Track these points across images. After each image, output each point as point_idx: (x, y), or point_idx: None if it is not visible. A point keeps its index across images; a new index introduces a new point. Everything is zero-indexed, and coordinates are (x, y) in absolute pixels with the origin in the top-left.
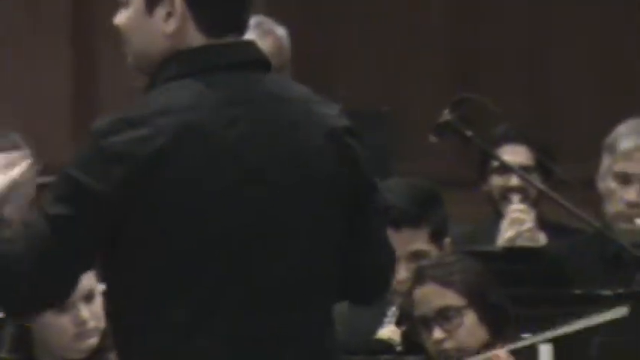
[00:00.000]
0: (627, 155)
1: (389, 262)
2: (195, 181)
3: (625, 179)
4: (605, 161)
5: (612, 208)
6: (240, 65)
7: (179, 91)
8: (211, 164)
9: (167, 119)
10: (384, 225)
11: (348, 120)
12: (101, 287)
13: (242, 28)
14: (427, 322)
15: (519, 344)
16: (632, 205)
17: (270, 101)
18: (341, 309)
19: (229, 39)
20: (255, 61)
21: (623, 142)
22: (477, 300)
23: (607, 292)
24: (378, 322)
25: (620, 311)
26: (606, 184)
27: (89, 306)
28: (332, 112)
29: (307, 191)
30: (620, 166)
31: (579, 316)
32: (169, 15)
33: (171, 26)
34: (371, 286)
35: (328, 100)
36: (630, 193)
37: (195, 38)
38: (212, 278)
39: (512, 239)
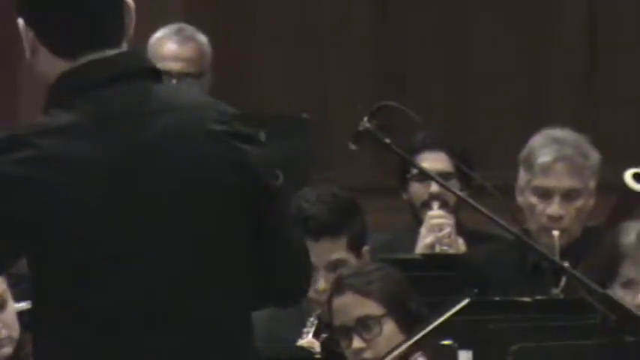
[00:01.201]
0: (545, 169)
1: (302, 261)
2: (75, 201)
3: (545, 194)
4: (523, 175)
5: (534, 223)
6: (122, 77)
7: (59, 111)
8: (92, 184)
9: (47, 141)
10: (292, 225)
11: (242, 126)
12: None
13: (105, 41)
14: (347, 332)
15: (439, 351)
16: (554, 219)
17: (156, 112)
18: (261, 317)
19: (103, 54)
20: (142, 70)
21: (539, 157)
22: (397, 308)
23: (526, 299)
24: (298, 331)
25: (464, 300)
26: (526, 198)
27: (0, 315)
28: (222, 119)
29: (196, 200)
30: (539, 181)
31: (500, 322)
32: (31, 49)
33: (33, 59)
34: (287, 287)
35: (221, 105)
36: (551, 208)
37: (56, 64)
38: (105, 297)
39: (431, 245)
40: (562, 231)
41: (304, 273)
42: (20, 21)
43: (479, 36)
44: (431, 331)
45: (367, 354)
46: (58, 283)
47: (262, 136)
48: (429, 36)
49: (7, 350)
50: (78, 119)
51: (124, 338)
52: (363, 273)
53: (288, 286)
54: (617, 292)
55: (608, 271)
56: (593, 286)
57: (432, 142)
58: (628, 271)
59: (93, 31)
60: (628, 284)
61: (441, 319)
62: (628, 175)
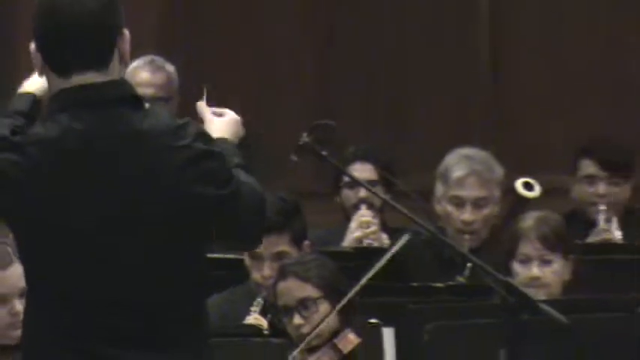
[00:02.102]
0: (459, 182)
1: (257, 206)
2: (51, 199)
3: (459, 203)
4: (440, 187)
5: (451, 227)
6: (104, 103)
7: (50, 124)
8: (66, 187)
9: (36, 149)
10: (246, 184)
11: (203, 145)
12: None
13: (88, 65)
14: (289, 311)
15: (367, 329)
16: (467, 223)
17: (127, 133)
18: (216, 300)
19: (83, 77)
20: (120, 98)
21: (454, 172)
22: (331, 292)
23: (439, 285)
24: (246, 311)
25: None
26: (443, 207)
27: (23, 300)
28: (182, 142)
29: (150, 208)
30: (454, 192)
31: (418, 304)
32: (39, 69)
33: (43, 76)
34: (246, 229)
35: (185, 127)
36: (465, 214)
37: (54, 80)
38: (70, 280)
39: (359, 240)
40: (472, 233)
41: (259, 218)
42: (32, 45)
43: (413, 61)
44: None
45: (305, 329)
46: (30, 267)
47: (218, 148)
48: (369, 62)
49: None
50: (62, 134)
51: (80, 325)
52: (303, 262)
53: (246, 229)
54: (516, 268)
55: (510, 250)
56: (495, 273)
57: (361, 154)
58: (524, 248)
59: (78, 55)
60: (524, 260)
61: (385, 259)
62: (518, 183)
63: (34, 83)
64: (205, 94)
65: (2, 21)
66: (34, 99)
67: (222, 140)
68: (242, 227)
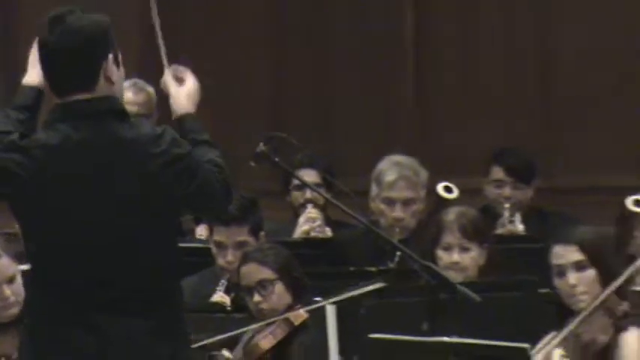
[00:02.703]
0: (390, 185)
1: (221, 181)
2: (51, 196)
3: (390, 202)
4: (374, 189)
5: (384, 222)
6: (95, 115)
7: (51, 132)
8: (64, 185)
9: (40, 152)
10: (207, 163)
11: (177, 149)
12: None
13: (78, 87)
14: (250, 290)
15: (313, 306)
16: (397, 219)
17: (113, 141)
18: (191, 280)
19: (76, 97)
20: (108, 111)
21: (386, 176)
22: (285, 274)
23: (373, 269)
24: (213, 290)
25: (378, 284)
26: (377, 205)
27: (11, 286)
28: (160, 149)
29: (133, 202)
30: (386, 194)
31: (355, 286)
32: (46, 88)
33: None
34: (214, 202)
35: (162, 136)
36: (395, 212)
37: (54, 97)
38: (62, 262)
39: (307, 232)
40: (402, 227)
41: (222, 192)
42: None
43: (342, 83)
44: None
45: (263, 305)
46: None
47: (188, 149)
48: (314, 83)
49: (14, 310)
50: (61, 141)
51: (71, 300)
52: (262, 249)
53: (217, 202)
54: (440, 254)
55: (434, 239)
56: (420, 260)
57: (307, 161)
58: (446, 237)
59: (67, 81)
60: (446, 247)
61: (355, 293)
62: (440, 187)
63: (35, 75)
64: (165, 60)
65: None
66: (37, 91)
67: (189, 118)
68: (211, 202)
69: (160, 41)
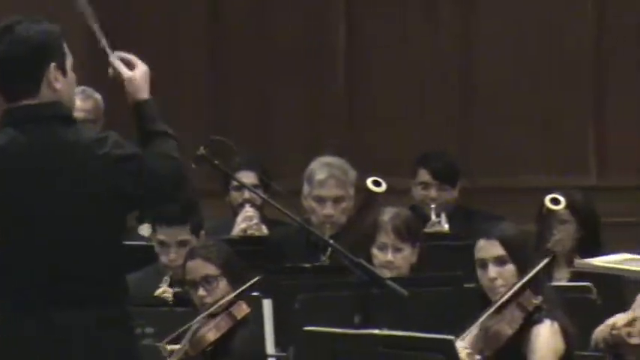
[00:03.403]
0: (321, 184)
1: (172, 172)
2: (0, 193)
3: (321, 200)
4: (306, 188)
5: (315, 219)
6: (40, 119)
7: (1, 135)
8: (13, 183)
9: None
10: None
11: (120, 150)
12: None
13: (23, 93)
14: (194, 284)
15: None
16: (328, 217)
17: (57, 144)
18: (132, 277)
19: (23, 102)
20: (52, 116)
21: (316, 175)
22: (228, 270)
23: (307, 265)
24: (156, 286)
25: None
26: (309, 203)
27: None
28: (102, 151)
29: (79, 201)
30: (317, 192)
31: (290, 280)
32: None
33: None
34: (164, 196)
35: (105, 139)
36: (326, 210)
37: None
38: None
39: (244, 230)
40: (332, 224)
41: (173, 184)
42: None
43: (282, 90)
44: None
45: (207, 299)
46: None
47: (133, 150)
48: (248, 89)
49: None
50: (9, 143)
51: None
52: (207, 246)
53: (165, 194)
54: (375, 252)
55: (370, 238)
56: (351, 256)
57: (245, 163)
58: (381, 237)
59: (13, 88)
60: (381, 247)
61: (248, 284)
62: (369, 181)
63: None
64: (107, 47)
65: None
66: None
67: (148, 104)
68: (160, 197)
69: (96, 28)
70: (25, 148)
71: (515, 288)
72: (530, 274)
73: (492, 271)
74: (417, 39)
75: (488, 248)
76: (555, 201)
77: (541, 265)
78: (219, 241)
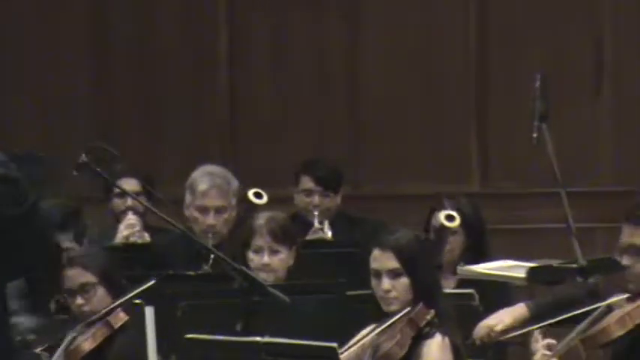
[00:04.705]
0: (204, 194)
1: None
2: None
3: (203, 210)
4: (188, 197)
5: (198, 229)
6: None
7: None
8: None
9: None
10: (36, 229)
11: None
12: None
13: None
14: (72, 293)
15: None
16: (210, 226)
17: None
18: (15, 284)
19: None
20: None
21: (199, 185)
22: (105, 278)
23: (190, 273)
24: None
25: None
26: (191, 213)
27: None
28: None
29: None
30: (200, 202)
31: (174, 287)
32: None
33: None
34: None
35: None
36: (208, 220)
37: None
38: None
39: (127, 237)
40: (215, 233)
41: (43, 257)
42: None
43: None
44: (133, 296)
45: (86, 308)
46: None
47: (13, 172)
48: (137, 95)
49: None
50: None
51: None
52: (84, 255)
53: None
54: (251, 256)
55: (245, 242)
56: (233, 263)
57: (127, 171)
58: (257, 240)
59: None
60: (257, 250)
61: (136, 292)
62: (250, 193)
63: None
64: None
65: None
66: None
67: None
68: (28, 250)
69: None
70: None
71: (405, 312)
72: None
73: (386, 283)
74: (301, 45)
75: (383, 260)
76: (450, 218)
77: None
78: (98, 249)
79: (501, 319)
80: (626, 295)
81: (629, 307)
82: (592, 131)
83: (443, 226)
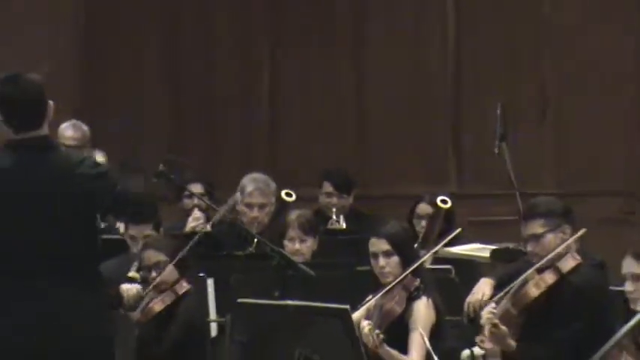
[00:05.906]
0: (250, 194)
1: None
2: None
3: (250, 206)
4: (239, 196)
5: (246, 220)
6: (35, 148)
7: (5, 158)
8: (12, 196)
9: None
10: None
11: (97, 169)
12: None
13: (34, 126)
14: (148, 269)
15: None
16: (255, 218)
17: (48, 166)
18: (110, 263)
19: (30, 134)
20: (45, 146)
21: (247, 187)
22: (173, 257)
23: (240, 253)
24: (128, 269)
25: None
26: (241, 208)
27: None
28: (85, 166)
29: (64, 207)
30: (248, 200)
31: (227, 264)
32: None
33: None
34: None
35: (87, 159)
36: (254, 213)
37: (11, 133)
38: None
39: (194, 227)
40: (258, 224)
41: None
42: None
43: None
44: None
45: (158, 279)
46: None
47: (109, 170)
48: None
49: None
50: (10, 164)
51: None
52: (157, 239)
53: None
54: (286, 244)
55: (282, 233)
56: (272, 246)
57: (193, 177)
58: (290, 232)
59: (23, 123)
60: (290, 239)
61: None
62: (283, 193)
63: None
64: None
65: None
66: None
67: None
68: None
69: None
70: (25, 170)
71: (403, 276)
72: (415, 265)
73: (382, 261)
74: (318, 71)
75: (378, 244)
76: (444, 201)
77: (424, 258)
78: (168, 235)
79: (483, 290)
80: (536, 267)
81: (538, 276)
82: (538, 148)
83: (437, 207)
